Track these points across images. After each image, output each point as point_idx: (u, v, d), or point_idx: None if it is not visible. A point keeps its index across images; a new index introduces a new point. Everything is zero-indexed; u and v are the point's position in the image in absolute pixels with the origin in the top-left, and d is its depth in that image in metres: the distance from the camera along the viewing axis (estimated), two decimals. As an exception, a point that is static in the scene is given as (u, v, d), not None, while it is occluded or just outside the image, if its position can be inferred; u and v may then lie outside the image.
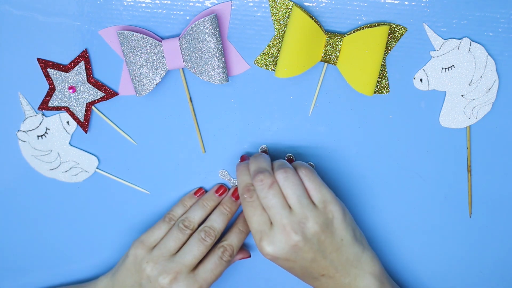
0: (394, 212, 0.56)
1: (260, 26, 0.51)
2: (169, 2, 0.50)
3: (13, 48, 0.51)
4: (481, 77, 0.51)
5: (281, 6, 0.49)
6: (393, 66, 0.52)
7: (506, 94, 0.53)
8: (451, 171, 0.55)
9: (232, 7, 0.50)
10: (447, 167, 0.55)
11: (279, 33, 0.50)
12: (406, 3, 0.50)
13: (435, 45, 0.51)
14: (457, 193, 0.56)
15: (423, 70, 0.52)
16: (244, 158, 0.53)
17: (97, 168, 0.54)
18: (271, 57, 0.51)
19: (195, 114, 0.53)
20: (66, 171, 0.54)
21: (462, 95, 0.52)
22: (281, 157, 0.54)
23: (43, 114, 0.52)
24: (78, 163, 0.54)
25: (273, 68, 0.51)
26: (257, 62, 0.51)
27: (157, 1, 0.50)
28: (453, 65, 0.51)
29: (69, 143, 0.53)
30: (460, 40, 0.51)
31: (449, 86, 0.52)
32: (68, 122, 0.52)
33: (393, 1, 0.50)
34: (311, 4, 0.50)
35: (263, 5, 0.50)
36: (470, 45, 0.51)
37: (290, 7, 0.49)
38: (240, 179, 0.49)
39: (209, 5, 0.50)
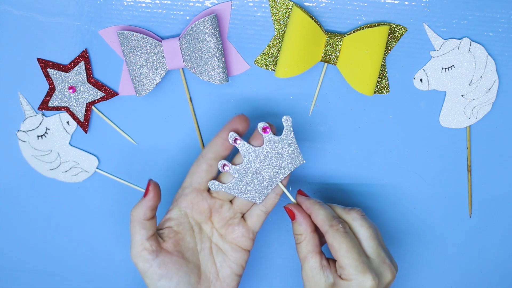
0: (394, 212, 0.56)
1: (260, 26, 0.51)
2: (169, 2, 0.50)
3: (13, 48, 0.51)
4: (481, 77, 0.51)
5: (281, 6, 0.49)
6: (393, 66, 0.52)
7: (506, 94, 0.53)
8: (451, 171, 0.55)
9: (232, 7, 0.50)
10: (447, 167, 0.55)
11: (279, 33, 0.50)
12: (406, 3, 0.50)
13: (435, 45, 0.51)
14: (457, 193, 0.56)
15: (423, 70, 0.52)
16: (302, 192, 0.49)
17: (97, 168, 0.54)
18: (271, 57, 0.51)
19: (195, 114, 0.53)
20: (66, 171, 0.54)
21: (462, 95, 0.52)
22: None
23: (43, 114, 0.52)
24: (78, 163, 0.54)
25: (273, 68, 0.51)
26: (257, 62, 0.51)
27: (157, 1, 0.50)
28: (453, 65, 0.51)
29: (69, 143, 0.53)
30: (460, 40, 0.51)
31: (449, 86, 0.52)
32: (68, 122, 0.52)
33: (393, 1, 0.50)
34: (311, 4, 0.50)
35: (263, 5, 0.50)
36: (470, 45, 0.51)
37: (290, 7, 0.49)
38: (322, 209, 0.46)
39: (209, 5, 0.50)
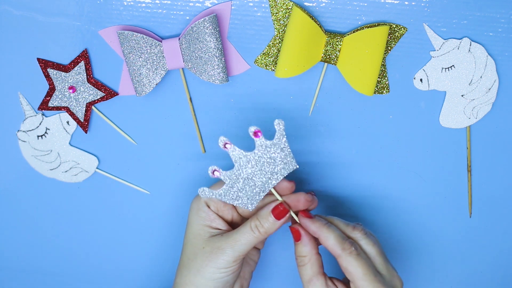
0: (394, 212, 0.56)
1: (260, 26, 0.51)
2: (169, 2, 0.50)
3: (13, 48, 0.51)
4: (481, 77, 0.51)
5: (281, 6, 0.49)
6: (393, 66, 0.52)
7: (506, 94, 0.53)
8: (451, 171, 0.55)
9: (232, 7, 0.50)
10: (447, 167, 0.55)
11: (279, 33, 0.50)
12: (406, 3, 0.50)
13: (435, 45, 0.51)
14: (457, 193, 0.56)
15: (423, 70, 0.52)
16: (306, 214, 0.47)
17: (97, 168, 0.54)
18: (271, 57, 0.51)
19: (195, 114, 0.53)
20: (66, 171, 0.54)
21: (462, 95, 0.52)
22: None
23: (43, 114, 0.52)
24: (78, 163, 0.54)
25: (273, 68, 0.51)
26: (257, 62, 0.51)
27: (157, 1, 0.50)
28: (453, 65, 0.51)
29: (69, 143, 0.53)
30: (460, 40, 0.51)
31: (449, 86, 0.52)
32: (68, 122, 0.52)
33: (393, 1, 0.50)
34: (311, 4, 0.50)
35: (263, 5, 0.50)
36: (470, 45, 0.51)
37: (290, 7, 0.49)
38: (331, 232, 0.45)
39: (209, 5, 0.50)
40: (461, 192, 0.56)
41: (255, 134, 0.44)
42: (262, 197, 0.46)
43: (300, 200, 0.46)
